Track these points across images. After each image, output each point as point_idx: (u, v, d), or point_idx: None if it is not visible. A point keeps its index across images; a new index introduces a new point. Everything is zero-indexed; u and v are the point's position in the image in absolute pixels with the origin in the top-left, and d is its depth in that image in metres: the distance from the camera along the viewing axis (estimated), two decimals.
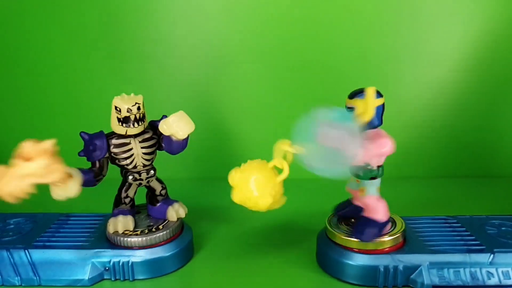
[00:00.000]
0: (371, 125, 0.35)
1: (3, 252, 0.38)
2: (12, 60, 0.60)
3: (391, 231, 0.37)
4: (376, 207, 0.37)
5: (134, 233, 0.38)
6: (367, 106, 0.34)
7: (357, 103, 0.34)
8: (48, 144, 0.32)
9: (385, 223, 0.37)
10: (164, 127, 0.37)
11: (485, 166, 0.61)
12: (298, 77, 0.58)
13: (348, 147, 0.32)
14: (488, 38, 0.56)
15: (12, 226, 0.42)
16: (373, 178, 0.36)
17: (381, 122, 0.35)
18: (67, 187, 0.34)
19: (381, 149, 0.35)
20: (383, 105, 0.35)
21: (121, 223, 0.38)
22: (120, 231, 0.38)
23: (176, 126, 0.37)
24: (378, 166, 0.36)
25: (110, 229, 0.38)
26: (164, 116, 0.39)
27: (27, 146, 0.32)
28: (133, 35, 0.59)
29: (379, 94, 0.35)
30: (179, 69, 0.60)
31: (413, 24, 0.56)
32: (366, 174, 0.36)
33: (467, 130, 0.60)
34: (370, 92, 0.34)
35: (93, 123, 0.41)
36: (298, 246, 0.43)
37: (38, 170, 0.32)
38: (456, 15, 0.56)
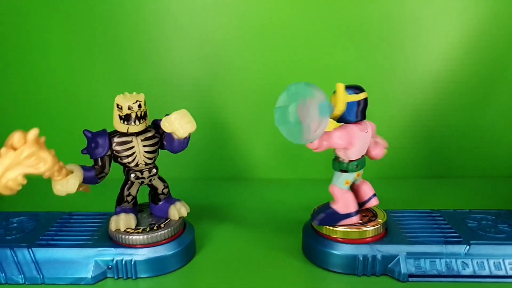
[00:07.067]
0: (344, 120, 0.36)
1: (7, 250, 0.38)
2: (14, 61, 0.60)
3: (369, 222, 0.38)
4: (336, 197, 0.38)
5: (136, 231, 0.38)
6: (337, 101, 0.36)
7: (332, 98, 0.36)
8: (32, 133, 0.31)
9: (344, 215, 0.38)
10: (166, 124, 0.37)
11: (471, 167, 0.62)
12: (299, 77, 0.57)
13: (311, 124, 0.33)
14: (475, 40, 0.57)
15: (15, 224, 0.42)
16: (343, 171, 0.38)
17: (355, 118, 0.36)
18: (67, 183, 0.34)
19: (330, 139, 0.36)
20: (359, 101, 0.36)
21: (123, 221, 0.39)
22: (122, 229, 0.39)
23: (178, 123, 0.37)
24: (350, 161, 0.37)
25: (112, 226, 0.39)
26: (167, 115, 0.39)
27: (15, 136, 0.31)
28: (133, 34, 0.58)
29: (353, 91, 0.36)
30: (180, 69, 0.60)
31: (407, 25, 0.57)
32: (337, 165, 0.38)
33: (453, 133, 0.61)
34: (339, 87, 0.35)
35: (95, 123, 0.41)
36: (295, 239, 0.44)
37: (20, 158, 0.31)
38: (448, 18, 0.56)
